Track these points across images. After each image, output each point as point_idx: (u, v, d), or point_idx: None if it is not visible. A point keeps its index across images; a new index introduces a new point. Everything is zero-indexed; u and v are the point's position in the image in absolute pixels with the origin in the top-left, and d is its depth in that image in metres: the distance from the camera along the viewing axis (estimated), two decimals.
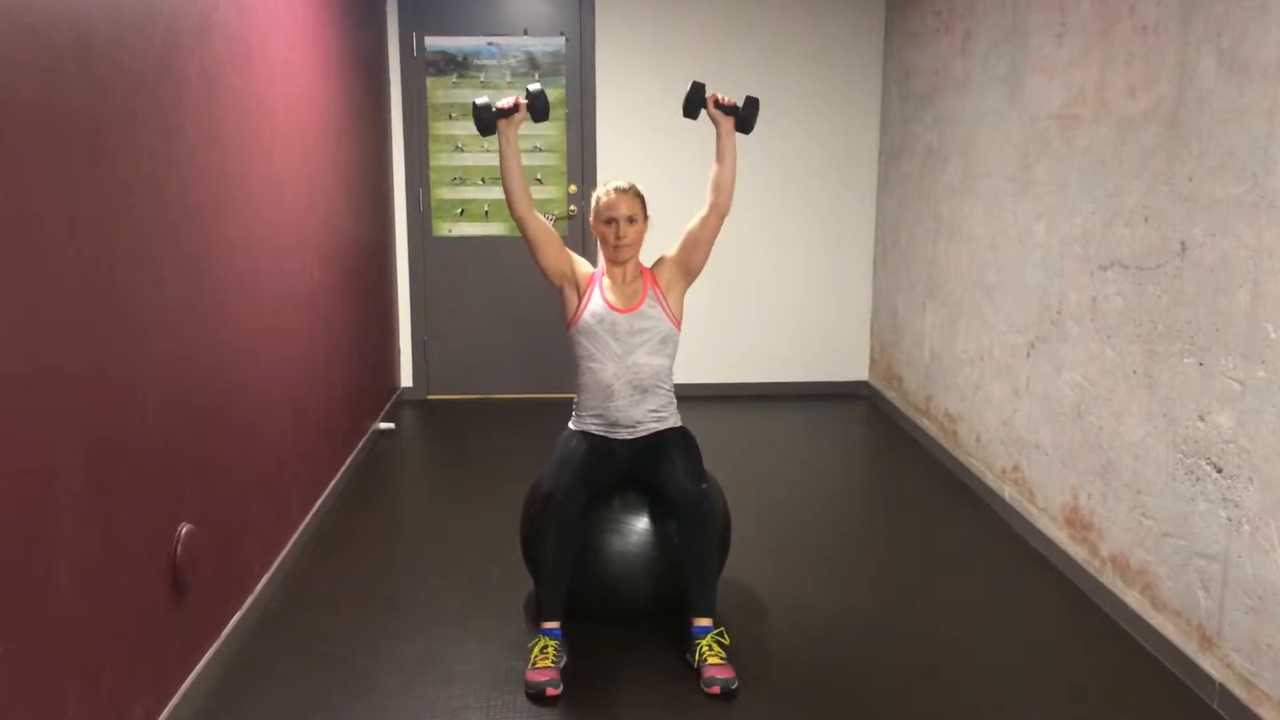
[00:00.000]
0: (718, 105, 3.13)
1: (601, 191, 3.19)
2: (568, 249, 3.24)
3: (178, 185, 2.64)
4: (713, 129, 3.18)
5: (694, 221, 3.19)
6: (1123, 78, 3.23)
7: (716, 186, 3.14)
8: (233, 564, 3.06)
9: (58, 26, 2.04)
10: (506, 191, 3.12)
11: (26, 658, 1.93)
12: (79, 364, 2.12)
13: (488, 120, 3.05)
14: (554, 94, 5.75)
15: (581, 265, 3.24)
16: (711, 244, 3.20)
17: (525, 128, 5.77)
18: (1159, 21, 3.03)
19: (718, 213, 3.15)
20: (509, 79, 5.74)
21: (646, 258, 3.32)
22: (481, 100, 3.05)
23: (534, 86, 3.08)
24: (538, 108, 3.06)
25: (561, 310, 3.27)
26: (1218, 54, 2.76)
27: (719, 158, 3.14)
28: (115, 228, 2.28)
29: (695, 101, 3.14)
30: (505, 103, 3.07)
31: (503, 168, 3.11)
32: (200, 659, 2.80)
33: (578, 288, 3.20)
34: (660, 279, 3.22)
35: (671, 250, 3.24)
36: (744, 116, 3.13)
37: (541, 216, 3.19)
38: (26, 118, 1.93)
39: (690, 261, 3.21)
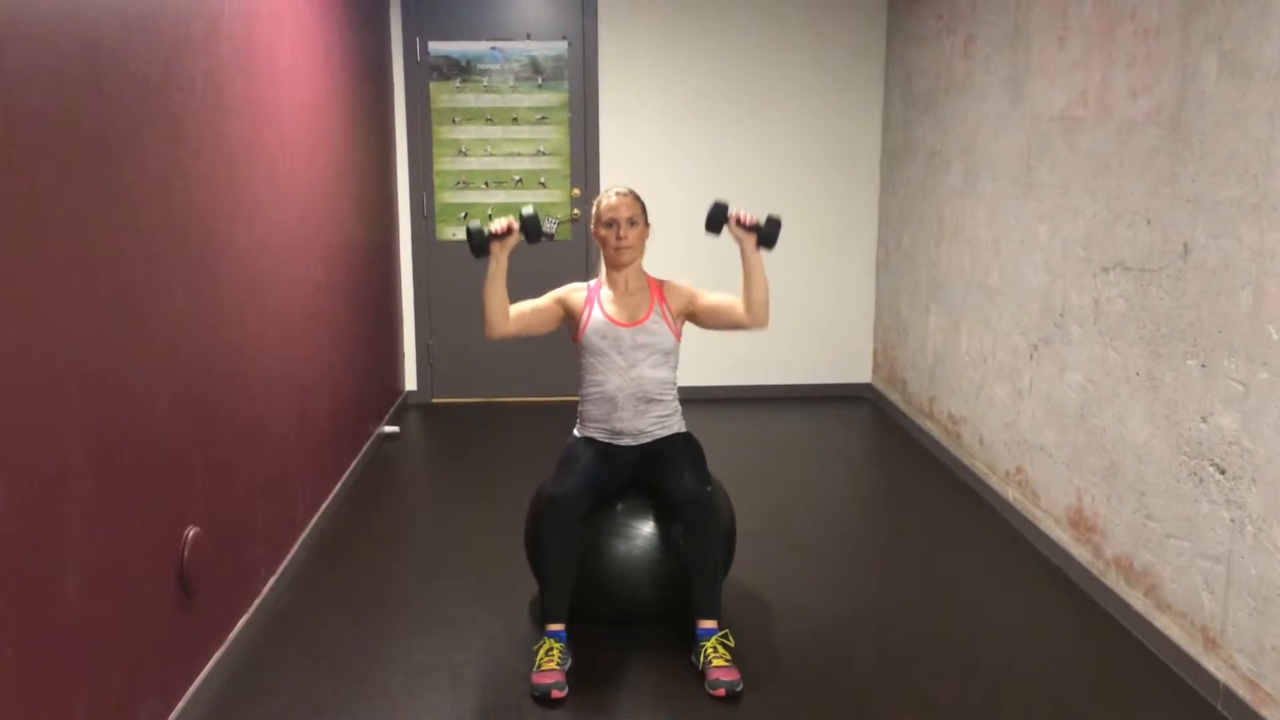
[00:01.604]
0: (739, 224, 3.12)
1: (602, 196, 3.21)
2: (547, 299, 3.23)
3: (184, 190, 2.65)
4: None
5: (729, 303, 3.18)
6: (1124, 80, 3.24)
7: (749, 306, 3.14)
8: (239, 567, 3.08)
9: (66, 33, 2.06)
10: (486, 316, 3.11)
11: (36, 660, 1.94)
12: (87, 368, 2.13)
13: (480, 245, 3.07)
14: (557, 98, 5.77)
15: (572, 295, 3.25)
16: (726, 331, 3.20)
17: (528, 132, 5.79)
18: (1160, 24, 3.04)
19: (752, 326, 3.17)
20: (512, 83, 5.76)
21: (650, 268, 3.33)
22: (474, 225, 3.07)
23: (526, 211, 3.08)
24: (530, 231, 3.07)
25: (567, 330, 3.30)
26: (1219, 56, 2.77)
27: (745, 278, 3.13)
28: (123, 232, 2.29)
29: (717, 219, 3.14)
30: (498, 226, 3.07)
31: (486, 292, 3.10)
32: (207, 661, 2.81)
33: (575, 316, 3.22)
34: (671, 301, 3.22)
35: (694, 290, 3.25)
36: (766, 234, 3.11)
37: (516, 311, 3.16)
38: (35, 123, 1.94)
39: (699, 320, 3.24)
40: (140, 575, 2.39)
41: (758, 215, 3.14)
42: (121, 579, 2.29)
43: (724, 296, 3.22)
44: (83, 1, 2.13)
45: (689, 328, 5.63)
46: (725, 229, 3.14)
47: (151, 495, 2.45)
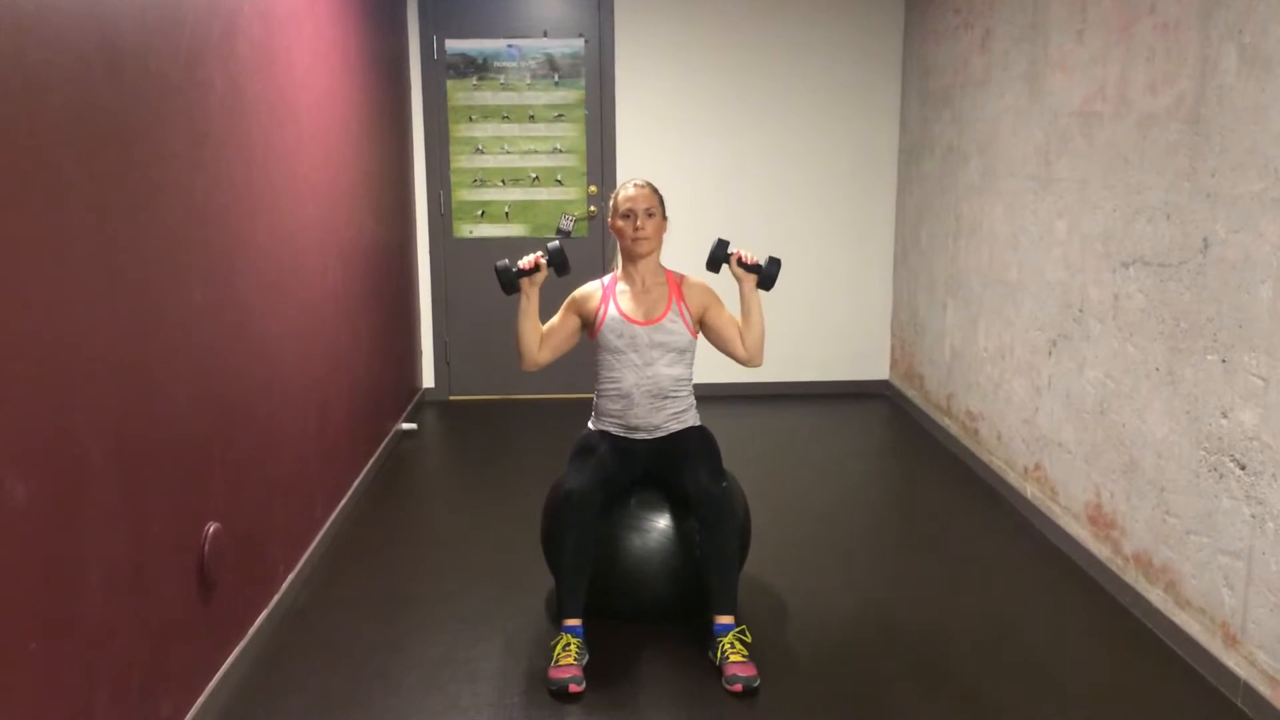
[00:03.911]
0: (740, 264, 3.17)
1: (619, 188, 3.22)
2: (561, 314, 3.25)
3: (204, 188, 2.67)
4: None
5: (735, 330, 3.23)
6: (1144, 74, 3.22)
7: (745, 344, 3.23)
8: (258, 563, 3.10)
9: (86, 33, 2.08)
10: (522, 352, 3.18)
11: (58, 654, 1.96)
12: (108, 366, 2.15)
13: (510, 282, 3.09)
14: (574, 95, 5.78)
15: (586, 300, 3.25)
16: (720, 352, 3.29)
17: (544, 129, 5.80)
18: (1180, 17, 3.02)
19: (746, 362, 3.26)
20: (528, 81, 5.77)
21: (668, 262, 3.33)
22: (502, 263, 3.09)
23: (553, 244, 3.10)
24: (558, 265, 3.09)
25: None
26: (1239, 49, 2.75)
27: (744, 318, 3.21)
28: (144, 230, 2.31)
29: (719, 258, 3.19)
30: (526, 262, 3.10)
31: (520, 327, 3.15)
32: (227, 656, 2.83)
33: (591, 317, 3.22)
34: (690, 300, 3.23)
35: (716, 299, 3.27)
36: (766, 274, 3.16)
37: (548, 337, 3.21)
38: (57, 122, 1.96)
39: (705, 332, 3.28)
40: (161, 570, 2.41)
41: (758, 256, 3.17)
42: (143, 574, 2.31)
43: (734, 321, 3.27)
44: (103, 2, 2.14)
45: None
46: (725, 267, 3.18)
47: (172, 491, 2.47)
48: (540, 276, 3.12)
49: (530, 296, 3.14)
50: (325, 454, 3.86)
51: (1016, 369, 4.23)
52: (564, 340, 3.25)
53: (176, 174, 2.50)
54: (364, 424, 4.51)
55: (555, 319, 3.25)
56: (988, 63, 4.52)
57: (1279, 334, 2.60)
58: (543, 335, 3.22)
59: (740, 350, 3.24)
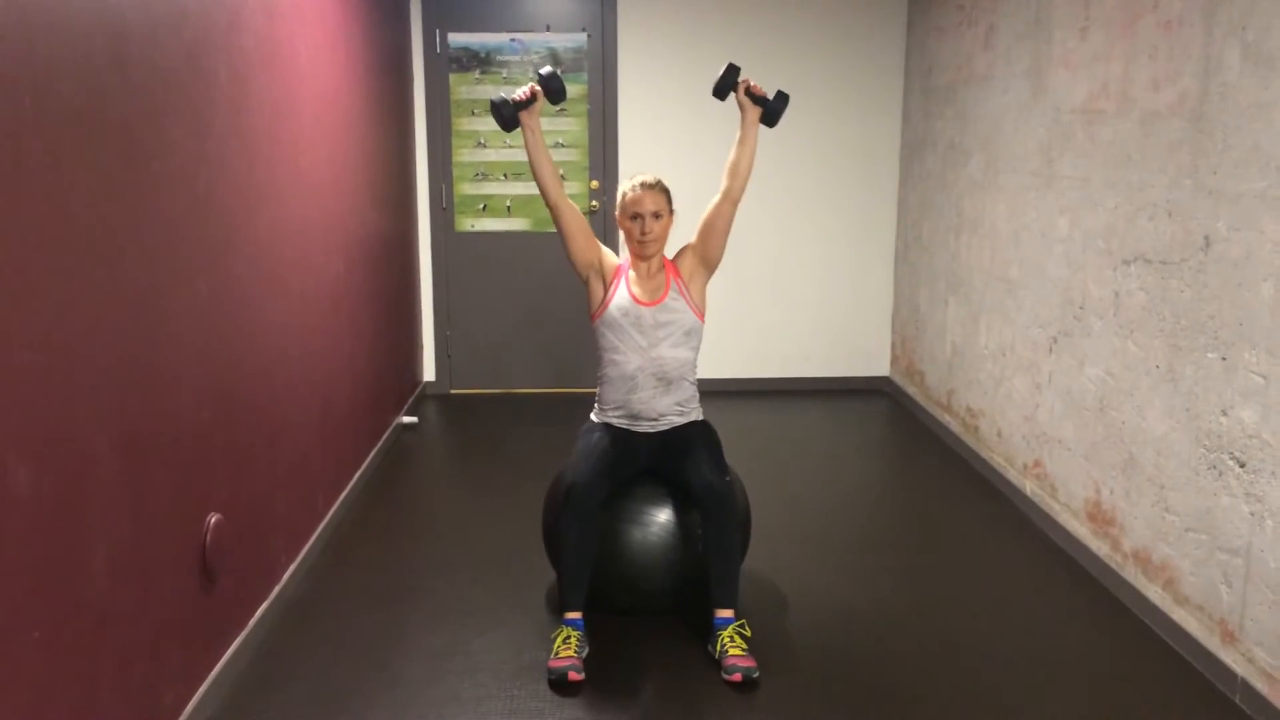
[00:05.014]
0: (748, 92, 3.13)
1: (628, 186, 3.20)
2: (596, 240, 3.26)
3: (207, 181, 2.67)
4: (734, 122, 3.17)
5: (708, 210, 3.20)
6: (1146, 71, 3.23)
7: (733, 172, 3.15)
8: (260, 554, 3.11)
9: (92, 25, 2.08)
10: (539, 181, 3.15)
11: (61, 643, 1.97)
12: (111, 357, 2.16)
13: (508, 116, 3.06)
14: (576, 89, 5.78)
15: (609, 257, 3.26)
16: (726, 233, 3.21)
17: (547, 124, 5.79)
18: (1183, 15, 3.03)
19: (730, 200, 3.16)
20: (531, 75, 5.76)
21: (669, 250, 3.34)
22: (498, 97, 3.05)
23: (545, 70, 3.08)
24: (552, 90, 3.06)
25: (587, 300, 3.28)
26: (1242, 47, 2.75)
27: (739, 143, 3.15)
28: (147, 222, 2.32)
29: (727, 83, 3.13)
30: (520, 94, 3.07)
31: (531, 159, 3.13)
32: (229, 647, 2.84)
33: (604, 279, 3.22)
34: (682, 270, 3.23)
35: (691, 245, 3.26)
36: (772, 108, 3.12)
37: (574, 205, 3.21)
38: (62, 114, 1.96)
39: (708, 251, 3.22)
40: (163, 561, 2.42)
41: (768, 91, 3.14)
42: (145, 564, 2.32)
43: (704, 213, 3.22)
44: None
45: (710, 315, 5.64)
46: (732, 95, 3.15)
47: (175, 482, 2.48)
48: (538, 106, 3.10)
49: (533, 129, 3.11)
50: (327, 446, 3.86)
51: (1017, 366, 4.24)
52: (576, 230, 3.18)
53: (180, 166, 2.50)
54: (365, 417, 4.52)
55: (589, 228, 3.23)
56: (991, 59, 4.52)
57: (1279, 332, 2.60)
58: (574, 208, 3.18)
59: (724, 200, 3.14)
